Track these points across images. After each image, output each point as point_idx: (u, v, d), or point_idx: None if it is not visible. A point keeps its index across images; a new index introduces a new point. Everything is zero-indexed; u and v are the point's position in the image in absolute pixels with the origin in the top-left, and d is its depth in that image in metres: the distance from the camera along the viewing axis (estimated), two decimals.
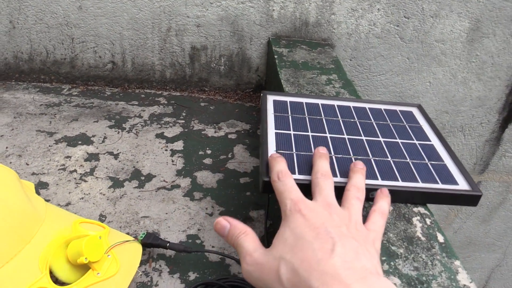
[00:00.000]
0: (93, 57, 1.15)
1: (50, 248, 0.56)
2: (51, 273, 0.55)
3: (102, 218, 0.74)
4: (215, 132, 1.01)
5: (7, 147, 0.90)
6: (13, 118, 1.00)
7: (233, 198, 0.81)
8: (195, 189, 0.82)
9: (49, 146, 0.91)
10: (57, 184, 0.80)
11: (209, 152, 0.93)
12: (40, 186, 0.79)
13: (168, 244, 0.64)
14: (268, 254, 0.43)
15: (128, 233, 0.71)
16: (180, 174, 0.86)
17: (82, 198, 0.78)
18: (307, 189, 0.56)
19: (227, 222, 0.50)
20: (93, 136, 0.96)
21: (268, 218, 0.76)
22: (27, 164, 0.85)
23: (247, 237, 0.47)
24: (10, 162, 0.85)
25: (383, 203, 0.52)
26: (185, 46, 1.14)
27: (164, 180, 0.84)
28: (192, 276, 0.64)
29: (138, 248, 0.63)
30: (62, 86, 1.18)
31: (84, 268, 0.56)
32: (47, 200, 0.76)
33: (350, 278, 0.35)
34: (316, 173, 0.53)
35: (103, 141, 0.94)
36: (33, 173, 0.83)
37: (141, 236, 0.65)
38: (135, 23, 1.10)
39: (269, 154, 0.60)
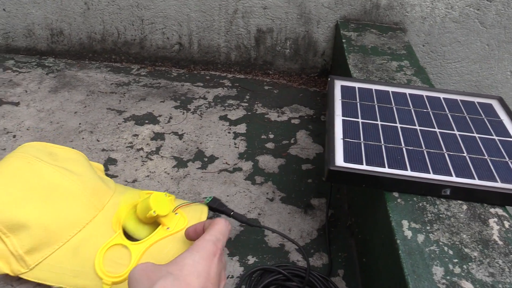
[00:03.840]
0: (161, 38, 1.18)
1: (121, 211, 0.60)
2: (125, 233, 0.58)
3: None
4: (278, 116, 1.00)
5: (80, 123, 0.94)
6: (86, 95, 1.05)
7: (294, 184, 0.80)
8: (256, 173, 0.82)
9: (118, 124, 0.95)
10: (124, 161, 0.83)
11: (271, 136, 0.93)
12: (109, 162, 0.83)
13: (232, 213, 0.64)
14: None
15: None
16: (242, 157, 0.86)
17: (148, 176, 0.80)
18: (374, 180, 0.54)
19: None
20: (159, 115, 0.98)
21: (330, 207, 0.75)
22: (98, 141, 0.89)
23: None
24: (83, 138, 0.89)
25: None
26: (251, 29, 1.13)
27: (226, 163, 0.84)
28: (251, 260, 0.64)
29: (204, 208, 0.64)
30: (131, 66, 1.22)
31: (154, 225, 0.59)
32: (115, 177, 0.79)
33: None
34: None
35: (168, 121, 0.96)
36: (103, 149, 0.86)
37: (207, 200, 0.66)
38: (203, 5, 1.10)
39: (336, 142, 0.58)
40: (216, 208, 0.65)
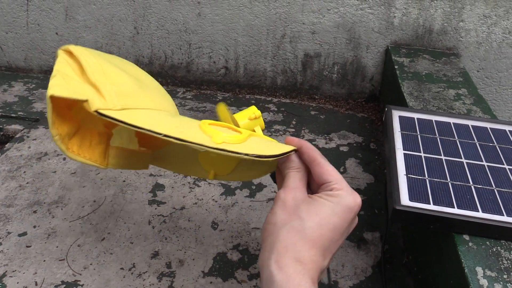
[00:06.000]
0: (207, 62, 1.18)
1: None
2: None
3: (214, 225, 0.74)
4: (326, 143, 0.97)
5: None
6: None
7: None
8: None
9: None
10: (172, 187, 0.83)
11: None
12: (157, 188, 0.82)
13: None
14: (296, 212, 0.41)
15: (238, 244, 0.70)
16: None
17: (196, 203, 0.79)
18: (443, 222, 0.51)
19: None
20: None
21: (385, 242, 0.71)
22: None
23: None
24: None
25: None
26: (298, 53, 1.12)
27: (275, 191, 0.82)
28: None
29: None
30: (177, 89, 1.23)
31: None
32: (163, 203, 0.79)
33: None
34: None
35: None
36: (151, 174, 0.86)
37: None
38: (251, 29, 1.10)
39: (399, 179, 0.55)
40: None
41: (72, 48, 0.47)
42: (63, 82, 0.43)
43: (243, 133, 0.46)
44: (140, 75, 0.57)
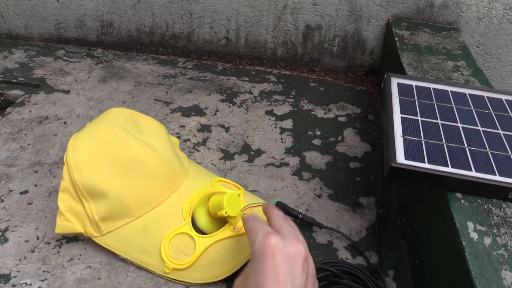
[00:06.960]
0: (208, 32, 1.18)
1: (193, 199, 0.61)
2: (193, 222, 0.59)
3: None
4: (325, 113, 0.98)
5: None
6: (133, 86, 1.07)
7: (342, 181, 0.78)
8: (303, 168, 0.81)
9: (166, 114, 0.96)
10: None
11: (318, 133, 0.91)
12: None
13: (300, 216, 0.63)
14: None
15: None
16: (289, 152, 0.85)
17: None
18: (437, 180, 0.52)
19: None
20: (206, 108, 0.99)
21: (380, 207, 0.73)
22: None
23: None
24: None
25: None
26: (299, 25, 1.12)
27: (273, 157, 0.83)
28: None
29: None
30: (177, 59, 1.23)
31: (221, 221, 0.60)
32: None
33: None
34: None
35: (215, 114, 0.96)
36: None
37: (273, 202, 0.66)
38: (253, 0, 1.10)
39: (396, 139, 0.57)
40: (283, 211, 0.64)
41: (68, 162, 0.60)
42: (65, 223, 0.59)
43: (198, 247, 0.56)
44: (130, 160, 0.61)
